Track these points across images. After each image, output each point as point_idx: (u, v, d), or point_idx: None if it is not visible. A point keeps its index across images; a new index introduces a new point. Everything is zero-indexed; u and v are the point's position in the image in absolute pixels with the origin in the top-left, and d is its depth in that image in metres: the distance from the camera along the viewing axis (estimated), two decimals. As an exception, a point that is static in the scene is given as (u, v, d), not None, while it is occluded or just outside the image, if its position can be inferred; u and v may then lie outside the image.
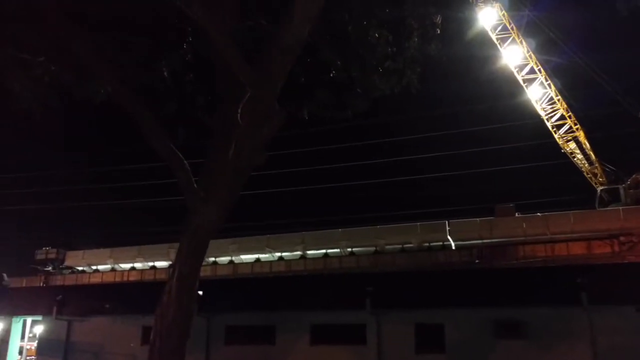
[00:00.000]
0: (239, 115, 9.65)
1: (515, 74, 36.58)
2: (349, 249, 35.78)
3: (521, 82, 36.68)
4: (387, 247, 35.09)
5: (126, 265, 39.95)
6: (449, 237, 34.29)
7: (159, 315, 8.80)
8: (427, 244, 34.68)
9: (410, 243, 34.64)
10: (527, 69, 36.19)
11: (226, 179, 8.53)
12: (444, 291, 20.58)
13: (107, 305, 24.79)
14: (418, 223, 35.21)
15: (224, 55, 8.38)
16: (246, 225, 42.14)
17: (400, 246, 34.83)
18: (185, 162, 9.12)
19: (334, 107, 13.68)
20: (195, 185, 8.93)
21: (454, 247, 34.77)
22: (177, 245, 31.90)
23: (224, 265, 37.20)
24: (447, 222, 34.88)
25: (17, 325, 28.44)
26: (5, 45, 12.92)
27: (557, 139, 37.85)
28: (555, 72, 36.62)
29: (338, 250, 35.86)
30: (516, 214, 35.05)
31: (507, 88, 38.00)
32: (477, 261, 33.16)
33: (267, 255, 37.62)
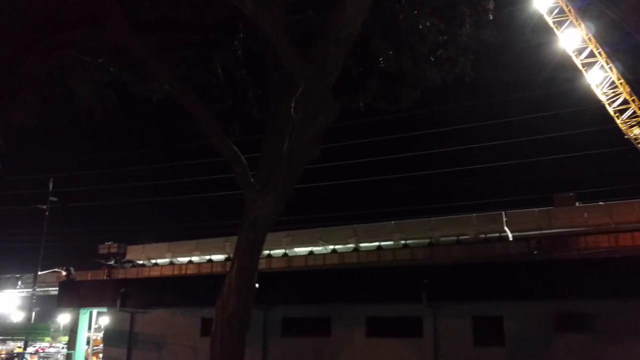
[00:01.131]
0: (292, 109, 9.73)
1: (574, 58, 35.19)
2: (403, 242, 35.53)
3: (580, 67, 35.26)
4: (442, 239, 34.66)
5: (184, 259, 41.11)
6: (505, 228, 33.53)
7: (219, 306, 9.02)
8: (483, 236, 34.04)
9: (466, 235, 34.09)
10: (586, 53, 34.74)
11: (282, 172, 8.60)
12: (502, 283, 20.13)
13: (167, 298, 25.60)
14: (474, 214, 34.60)
15: (277, 49, 8.45)
16: (299, 219, 42.50)
17: (456, 238, 34.32)
18: (242, 156, 9.26)
19: (386, 98, 13.57)
20: (252, 179, 9.07)
21: (511, 239, 33.98)
22: (232, 238, 32.63)
23: (278, 258, 37.70)
24: (503, 213, 34.10)
25: (84, 316, 29.79)
26: (68, 48, 13.53)
27: (620, 125, 36.16)
28: (617, 55, 34.97)
29: (391, 242, 35.69)
30: (577, 204, 33.85)
31: (565, 73, 36.63)
32: (535, 252, 32.27)
33: (320, 248, 37.86)
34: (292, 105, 9.91)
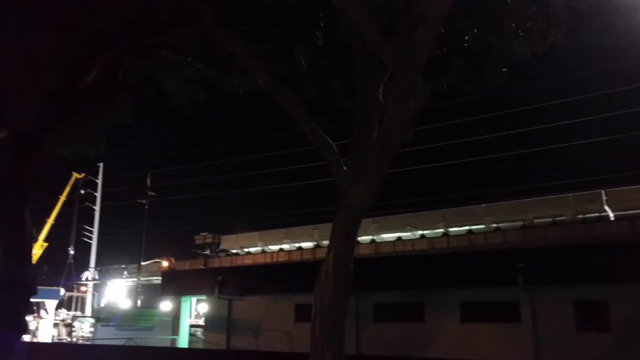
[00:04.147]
0: (380, 94, 9.69)
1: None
2: (494, 225, 34.41)
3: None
4: (536, 220, 33.19)
5: (275, 247, 42.16)
6: (606, 207, 31.56)
7: (317, 293, 9.20)
8: (581, 216, 32.23)
9: (562, 216, 32.43)
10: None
11: (374, 158, 8.60)
12: (606, 266, 19.04)
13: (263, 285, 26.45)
14: (570, 194, 32.84)
15: (364, 35, 8.43)
16: (385, 204, 42.24)
17: (551, 219, 32.74)
18: (333, 145, 9.38)
19: (471, 77, 13.19)
20: (344, 167, 9.16)
21: (612, 218, 31.94)
22: (320, 225, 33.09)
23: (365, 244, 37.74)
24: (603, 192, 32.11)
25: (185, 304, 31.50)
26: (159, 49, 14.27)
27: None
28: None
29: (483, 226, 34.67)
30: (687, 178, 31.22)
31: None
32: (640, 232, 30.16)
33: (408, 234, 37.50)
34: (381, 90, 9.89)
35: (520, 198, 35.11)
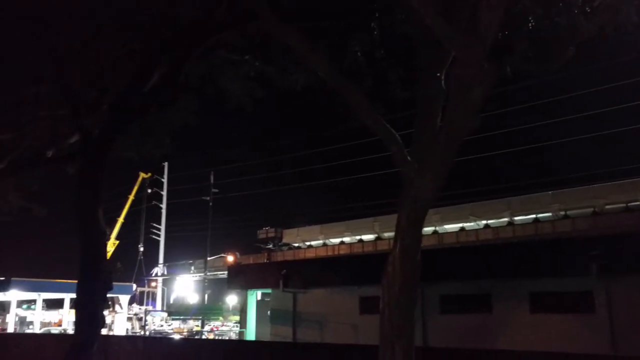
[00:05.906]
0: (442, 81, 9.46)
1: None
2: (562, 212, 33.14)
3: None
4: (608, 207, 31.70)
5: (336, 240, 42.30)
6: (685, 190, 29.78)
7: (385, 285, 9.11)
8: (657, 201, 30.57)
9: (636, 201, 30.83)
10: None
11: (439, 147, 8.40)
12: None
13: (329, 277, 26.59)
14: (644, 177, 31.18)
15: (425, 21, 8.24)
16: (447, 195, 41.40)
17: (624, 205, 31.17)
18: (397, 135, 9.25)
19: (536, 59, 12.66)
20: (408, 157, 9.02)
21: (691, 201, 30.10)
22: (381, 218, 32.85)
23: (428, 235, 37.26)
24: (681, 174, 30.26)
25: (251, 297, 32.14)
26: (218, 49, 14.57)
27: None
28: None
29: (550, 214, 33.46)
30: None
31: None
32: None
33: (471, 224, 36.73)
34: (443, 77, 9.65)
35: (590, 184, 33.66)
